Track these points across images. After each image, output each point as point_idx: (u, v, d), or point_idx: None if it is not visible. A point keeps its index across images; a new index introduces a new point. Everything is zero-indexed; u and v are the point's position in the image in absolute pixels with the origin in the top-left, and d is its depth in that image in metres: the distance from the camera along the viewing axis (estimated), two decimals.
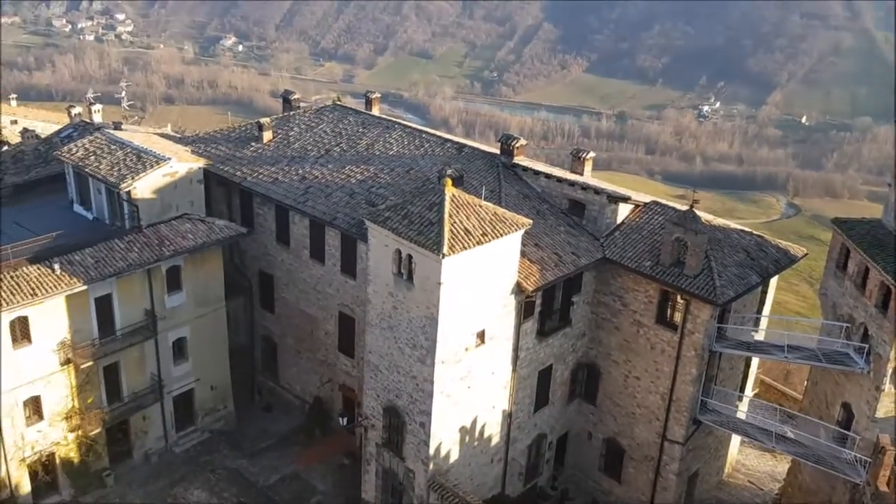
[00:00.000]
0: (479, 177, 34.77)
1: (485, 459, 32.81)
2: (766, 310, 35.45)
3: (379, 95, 45.08)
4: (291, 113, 43.38)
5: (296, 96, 45.77)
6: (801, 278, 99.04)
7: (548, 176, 35.48)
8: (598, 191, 34.14)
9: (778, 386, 42.77)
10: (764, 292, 34.59)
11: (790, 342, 31.40)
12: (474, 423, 31.36)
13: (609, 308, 34.07)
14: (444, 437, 30.37)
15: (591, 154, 37.35)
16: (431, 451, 30.09)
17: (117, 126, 44.42)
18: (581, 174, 36.35)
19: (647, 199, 35.68)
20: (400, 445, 31.32)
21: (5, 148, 56.33)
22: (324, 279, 36.42)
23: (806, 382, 36.89)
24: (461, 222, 27.51)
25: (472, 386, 30.41)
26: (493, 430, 32.49)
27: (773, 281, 34.92)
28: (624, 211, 34.16)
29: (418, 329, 28.59)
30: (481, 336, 29.86)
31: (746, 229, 35.58)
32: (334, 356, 37.44)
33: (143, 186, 33.83)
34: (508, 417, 32.89)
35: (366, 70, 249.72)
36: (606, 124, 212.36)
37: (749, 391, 37.06)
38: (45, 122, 67.11)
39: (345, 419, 35.61)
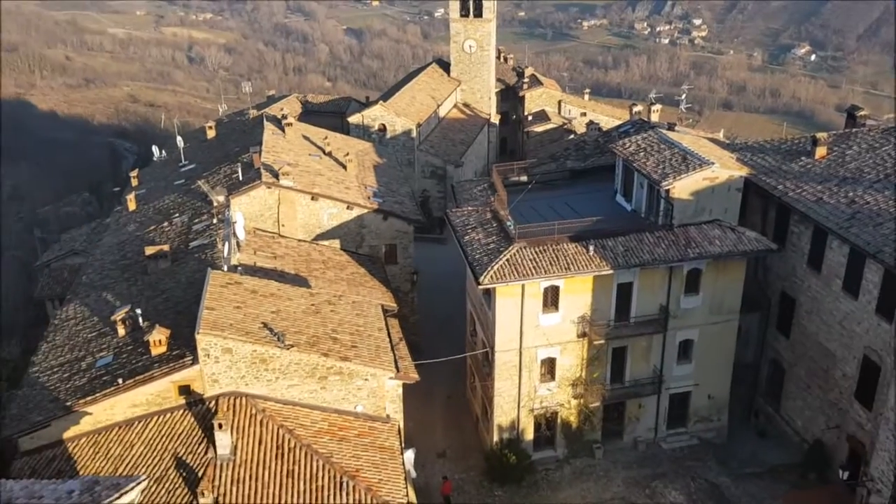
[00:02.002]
0: None
1: None
2: None
3: None
4: (854, 130, 39.64)
5: (863, 112, 41.65)
6: None
7: None
8: None
9: None
10: None
11: None
12: None
13: None
14: None
15: None
16: None
17: (671, 127, 46.33)
18: None
19: None
20: None
21: (571, 136, 63.68)
22: (853, 315, 32.85)
23: None
24: None
25: None
26: None
27: None
28: None
29: None
30: None
31: None
32: (848, 402, 33.68)
33: (682, 187, 34.72)
34: None
35: None
36: None
37: None
38: (609, 117, 73.94)
39: (846, 473, 31.95)
